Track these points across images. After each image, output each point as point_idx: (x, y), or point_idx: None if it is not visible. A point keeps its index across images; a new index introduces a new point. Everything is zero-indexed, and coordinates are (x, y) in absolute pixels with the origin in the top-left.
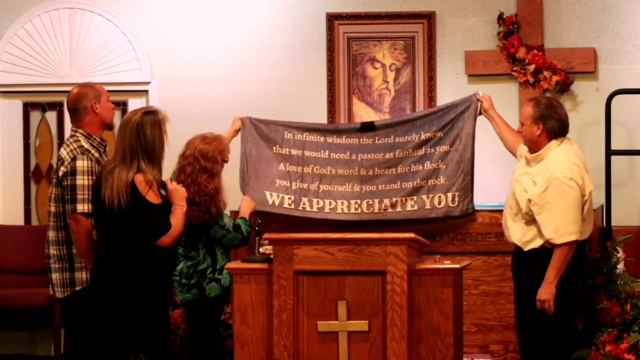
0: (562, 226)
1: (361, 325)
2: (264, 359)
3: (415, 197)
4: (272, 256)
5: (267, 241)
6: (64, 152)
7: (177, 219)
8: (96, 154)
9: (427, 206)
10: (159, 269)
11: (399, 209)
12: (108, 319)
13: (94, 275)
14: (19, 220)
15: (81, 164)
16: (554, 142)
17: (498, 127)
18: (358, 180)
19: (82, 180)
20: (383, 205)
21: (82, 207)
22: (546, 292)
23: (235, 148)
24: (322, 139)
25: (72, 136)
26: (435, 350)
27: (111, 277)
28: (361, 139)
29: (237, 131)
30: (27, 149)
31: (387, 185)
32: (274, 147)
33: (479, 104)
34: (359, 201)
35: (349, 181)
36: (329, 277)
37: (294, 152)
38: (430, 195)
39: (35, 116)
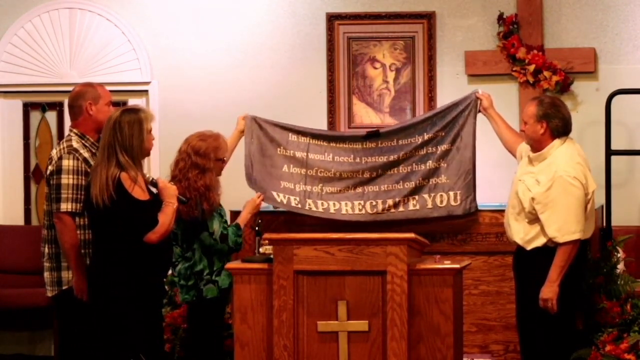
0: (565, 225)
1: (361, 325)
2: (264, 359)
3: (417, 197)
4: (272, 256)
5: (267, 241)
6: (53, 151)
7: (165, 215)
8: (86, 154)
9: (429, 205)
10: (148, 266)
11: (401, 208)
12: (100, 319)
13: (88, 274)
14: (19, 220)
15: (67, 163)
16: (557, 141)
17: (497, 126)
18: (361, 183)
19: (67, 180)
20: (386, 206)
21: (66, 206)
22: (549, 290)
23: (239, 148)
24: (325, 142)
25: (66, 135)
26: (435, 350)
27: (102, 276)
28: (364, 144)
29: (241, 132)
30: (27, 149)
31: (389, 185)
32: (279, 149)
33: (479, 102)
34: (362, 202)
35: (352, 183)
36: (329, 277)
37: (298, 154)
38: (432, 194)
39: (35, 116)
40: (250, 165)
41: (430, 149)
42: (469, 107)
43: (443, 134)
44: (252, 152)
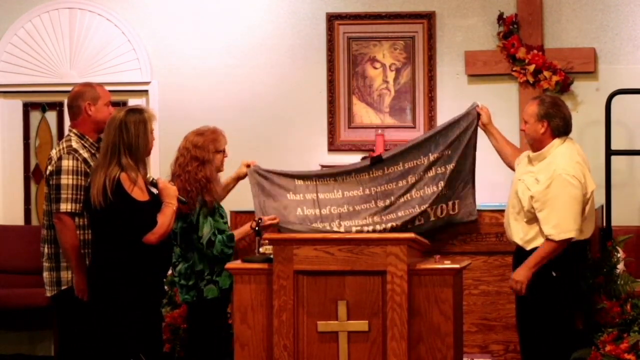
0: (562, 223)
1: (361, 325)
2: (264, 359)
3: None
4: (272, 256)
5: (267, 241)
6: (53, 151)
7: (165, 216)
8: (85, 154)
9: (432, 217)
10: (148, 266)
11: (409, 225)
12: (100, 319)
13: (88, 274)
14: (19, 220)
15: (66, 163)
16: (557, 141)
17: (497, 141)
18: (377, 212)
19: (66, 180)
20: (405, 221)
21: (66, 206)
22: (522, 274)
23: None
24: (332, 180)
25: (66, 135)
26: (435, 350)
27: (102, 276)
28: (371, 173)
29: (240, 176)
30: (27, 149)
31: (405, 211)
32: (288, 194)
33: (479, 117)
34: (384, 225)
35: (368, 214)
36: (329, 277)
37: (308, 196)
38: (434, 207)
39: (35, 116)
40: (261, 219)
41: (439, 169)
42: (472, 122)
43: (449, 152)
44: (262, 204)
